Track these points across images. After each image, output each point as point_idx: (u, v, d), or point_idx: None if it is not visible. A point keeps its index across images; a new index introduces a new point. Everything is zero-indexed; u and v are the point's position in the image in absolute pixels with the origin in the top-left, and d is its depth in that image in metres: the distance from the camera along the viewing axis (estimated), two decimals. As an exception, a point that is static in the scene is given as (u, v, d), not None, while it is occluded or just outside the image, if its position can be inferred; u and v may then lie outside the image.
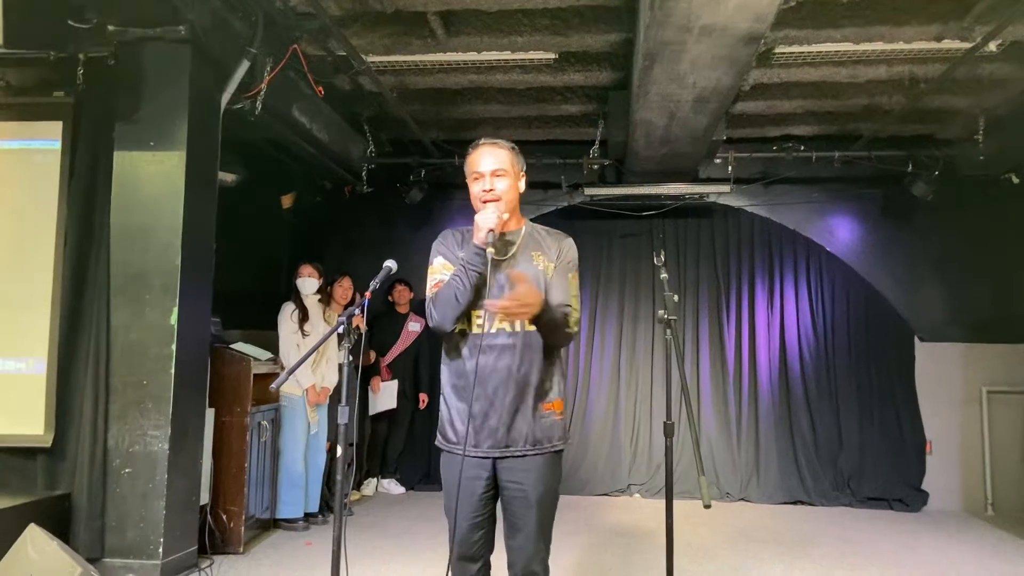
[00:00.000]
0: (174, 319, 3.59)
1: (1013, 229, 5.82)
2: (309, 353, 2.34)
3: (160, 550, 3.47)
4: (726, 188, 5.88)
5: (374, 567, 3.97)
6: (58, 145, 3.81)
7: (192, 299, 3.72)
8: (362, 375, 3.68)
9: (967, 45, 4.09)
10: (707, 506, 2.19)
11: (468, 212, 2.20)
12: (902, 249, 6.10)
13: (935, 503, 5.78)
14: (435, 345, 5.89)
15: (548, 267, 2.20)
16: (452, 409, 2.20)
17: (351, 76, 4.86)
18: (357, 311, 2.35)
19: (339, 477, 2.24)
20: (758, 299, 6.30)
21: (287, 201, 6.40)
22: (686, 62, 3.73)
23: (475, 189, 2.21)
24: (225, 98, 4.01)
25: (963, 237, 5.98)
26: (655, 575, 3.87)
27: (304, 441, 4.77)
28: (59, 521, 3.44)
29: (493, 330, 2.14)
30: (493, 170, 2.18)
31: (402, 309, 6.16)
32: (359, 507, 5.47)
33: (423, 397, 6.14)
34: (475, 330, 2.15)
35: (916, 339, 6.04)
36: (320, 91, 4.64)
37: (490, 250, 2.06)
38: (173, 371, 3.56)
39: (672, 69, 3.83)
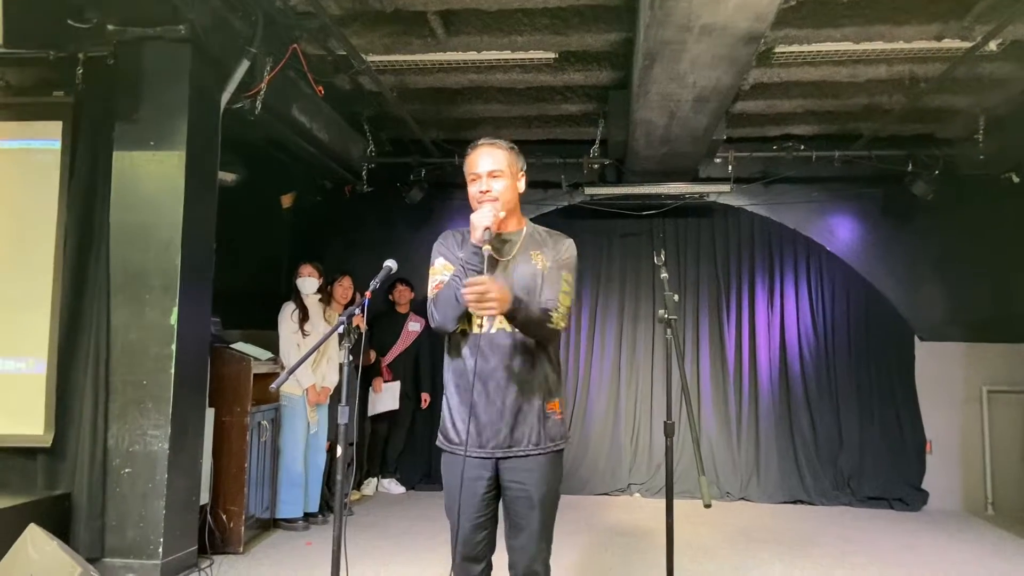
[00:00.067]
0: (174, 319, 3.59)
1: (1013, 228, 5.82)
2: (309, 353, 2.34)
3: (160, 550, 3.47)
4: (726, 188, 5.88)
5: (374, 567, 3.97)
6: (58, 145, 3.81)
7: (192, 299, 3.72)
8: (362, 375, 3.68)
9: (967, 44, 4.09)
10: (707, 506, 2.19)
11: (468, 212, 2.20)
12: (902, 248, 6.10)
13: (935, 502, 5.78)
14: (435, 345, 5.91)
15: (546, 266, 2.21)
16: (454, 409, 2.20)
17: (351, 76, 4.86)
18: (357, 311, 2.35)
19: (339, 477, 2.24)
20: (758, 299, 6.30)
21: (287, 201, 6.40)
22: (686, 61, 3.73)
23: (472, 190, 2.22)
24: (225, 98, 4.01)
25: (963, 236, 5.98)
26: (655, 575, 3.86)
27: (304, 441, 4.77)
28: (59, 521, 3.44)
29: (493, 330, 2.14)
30: (490, 171, 2.19)
31: (402, 309, 6.15)
32: (359, 507, 5.47)
33: (425, 396, 6.12)
34: (476, 330, 2.15)
35: (916, 338, 6.04)
36: (320, 91, 4.64)
37: (486, 248, 2.06)
38: (173, 371, 3.56)
39: (672, 68, 3.83)
